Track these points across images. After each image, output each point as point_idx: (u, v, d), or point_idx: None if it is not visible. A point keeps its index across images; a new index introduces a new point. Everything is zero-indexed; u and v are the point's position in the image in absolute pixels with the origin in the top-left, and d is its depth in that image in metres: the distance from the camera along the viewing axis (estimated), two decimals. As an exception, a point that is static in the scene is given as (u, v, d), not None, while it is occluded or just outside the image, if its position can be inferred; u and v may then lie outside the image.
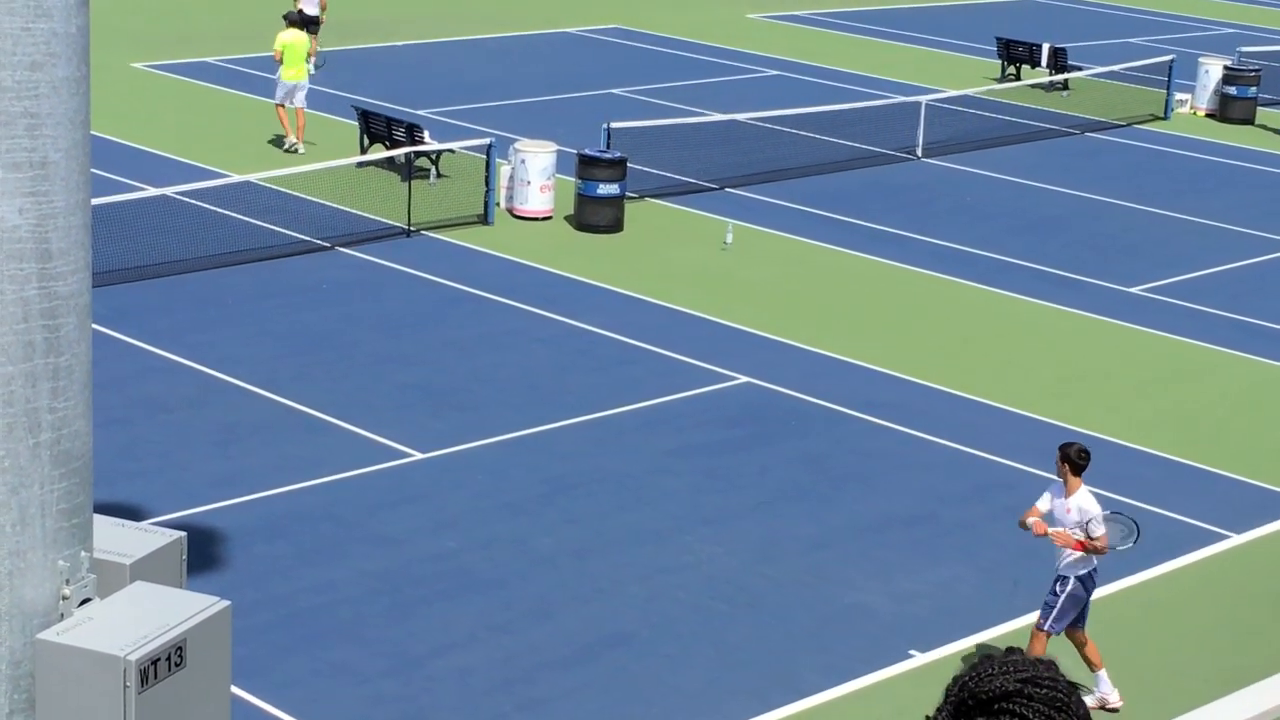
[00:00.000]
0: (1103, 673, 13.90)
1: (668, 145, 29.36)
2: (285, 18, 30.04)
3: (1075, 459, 13.62)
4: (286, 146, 28.81)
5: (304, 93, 28.90)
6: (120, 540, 6.87)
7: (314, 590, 15.12)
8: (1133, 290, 24.10)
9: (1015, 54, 37.67)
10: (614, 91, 34.56)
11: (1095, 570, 13.77)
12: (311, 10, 34.26)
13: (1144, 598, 15.86)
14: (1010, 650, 3.47)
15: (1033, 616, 14.16)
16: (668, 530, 16.58)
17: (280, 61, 28.78)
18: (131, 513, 15.30)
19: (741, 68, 37.87)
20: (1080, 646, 13.89)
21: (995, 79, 37.52)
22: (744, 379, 20.28)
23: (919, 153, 30.71)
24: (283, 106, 28.80)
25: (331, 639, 14.37)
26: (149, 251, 23.01)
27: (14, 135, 6.14)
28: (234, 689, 10.33)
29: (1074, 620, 13.82)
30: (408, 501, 16.87)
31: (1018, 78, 37.33)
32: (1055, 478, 13.99)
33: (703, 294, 23.03)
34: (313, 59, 29.46)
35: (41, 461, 6.39)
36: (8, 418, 6.29)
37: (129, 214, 23.52)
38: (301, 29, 29.59)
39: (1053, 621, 13.66)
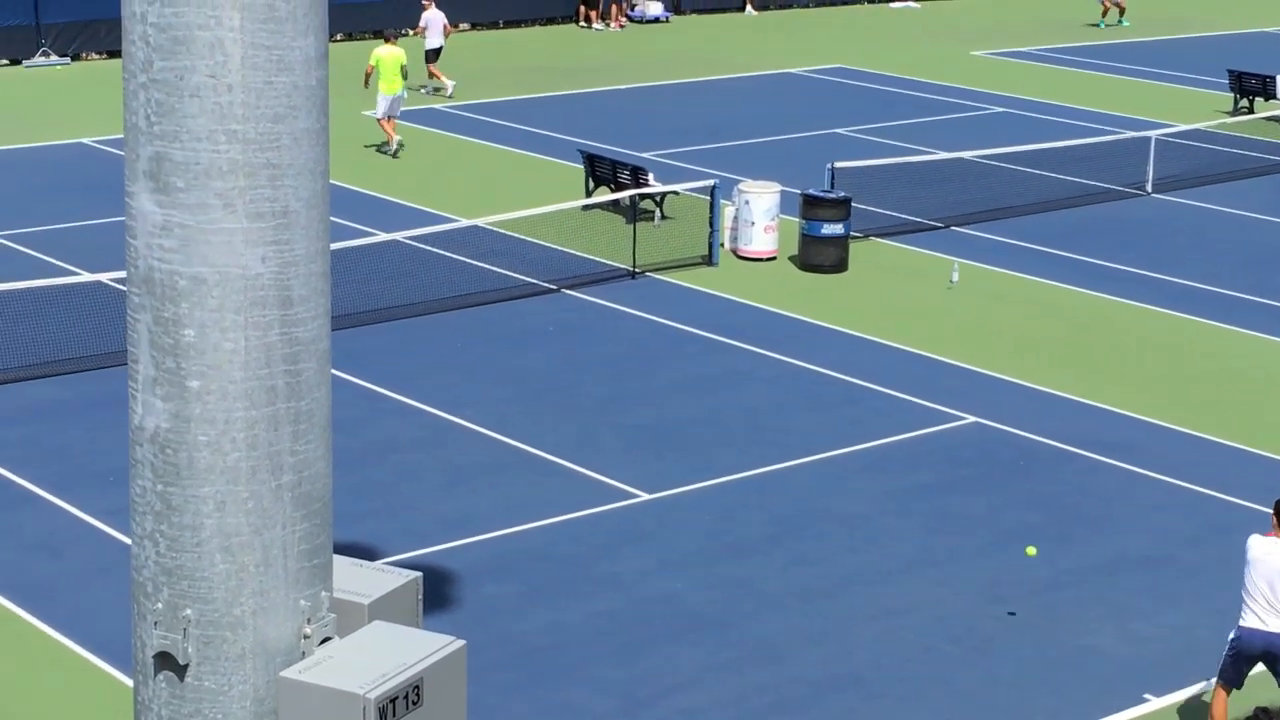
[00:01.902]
0: None
1: (892, 184, 29.24)
2: (383, 36, 32.54)
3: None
4: (393, 150, 31.30)
5: (400, 104, 31.41)
6: (359, 580, 7.01)
7: (542, 630, 15.25)
8: (1373, 326, 23.47)
9: (1247, 86, 36.93)
10: (838, 131, 34.50)
11: (1255, 633, 13.10)
12: (436, 41, 36.28)
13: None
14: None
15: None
16: (896, 571, 16.47)
17: (372, 76, 31.09)
18: (364, 553, 15.56)
19: (966, 105, 37.60)
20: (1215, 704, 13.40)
21: (1227, 112, 36.81)
22: (972, 419, 20.09)
23: (1149, 188, 30.22)
24: (387, 120, 31.21)
25: (560, 679, 14.47)
26: (379, 296, 23.42)
27: (257, 185, 6.31)
28: (466, 727, 10.43)
29: (1230, 679, 13.34)
30: (634, 542, 16.95)
31: (1250, 110, 36.59)
32: None
33: (929, 333, 22.87)
34: (438, 84, 32.11)
35: (284, 503, 6.54)
36: (251, 460, 6.45)
37: (359, 259, 23.96)
38: (398, 47, 31.67)
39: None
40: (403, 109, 32.01)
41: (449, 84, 36.59)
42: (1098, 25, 48.04)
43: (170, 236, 6.31)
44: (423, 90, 36.39)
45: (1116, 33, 47.58)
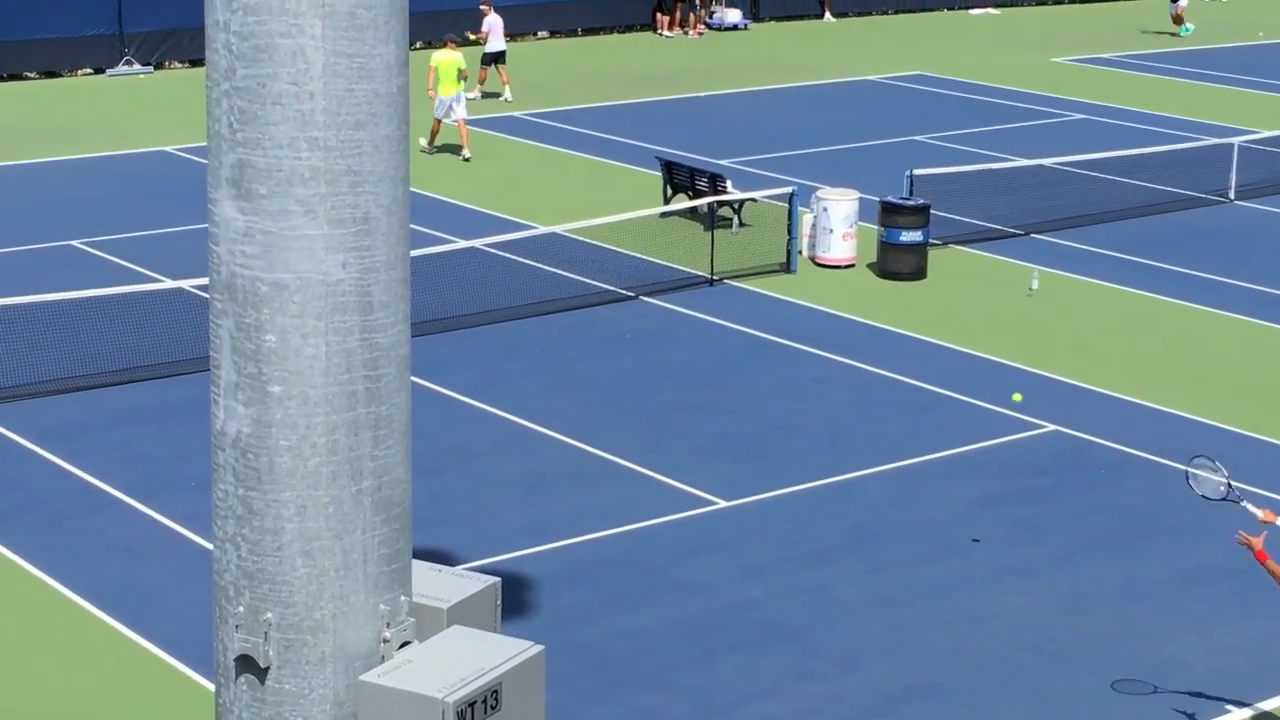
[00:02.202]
0: None
1: (972, 191, 29.12)
2: (445, 40, 33.30)
3: None
4: (430, 151, 32.04)
5: (462, 105, 31.91)
6: (438, 585, 7.04)
7: (620, 636, 15.26)
8: None
9: (1332, 92, 36.57)
10: (917, 138, 34.39)
11: None
12: (499, 45, 36.92)
13: None
14: None
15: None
16: (975, 580, 16.39)
17: (435, 80, 31.72)
18: (442, 558, 15.62)
19: (1047, 111, 37.40)
20: None
21: (1311, 118, 36.49)
22: (1052, 427, 19.98)
23: (1231, 195, 29.98)
24: (440, 121, 31.96)
25: (637, 686, 14.48)
26: (458, 303, 23.50)
27: (338, 192, 6.35)
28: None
29: None
30: (712, 549, 16.94)
31: (1334, 117, 36.25)
32: None
33: (1008, 341, 22.76)
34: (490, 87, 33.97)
35: (364, 508, 6.58)
36: (331, 465, 6.50)
37: (438, 266, 24.06)
38: (457, 51, 32.48)
39: None
40: (470, 115, 32.32)
41: (507, 91, 37.06)
42: (1178, 34, 47.65)
43: (252, 243, 6.36)
44: (477, 96, 36.66)
45: (1198, 38, 47.22)
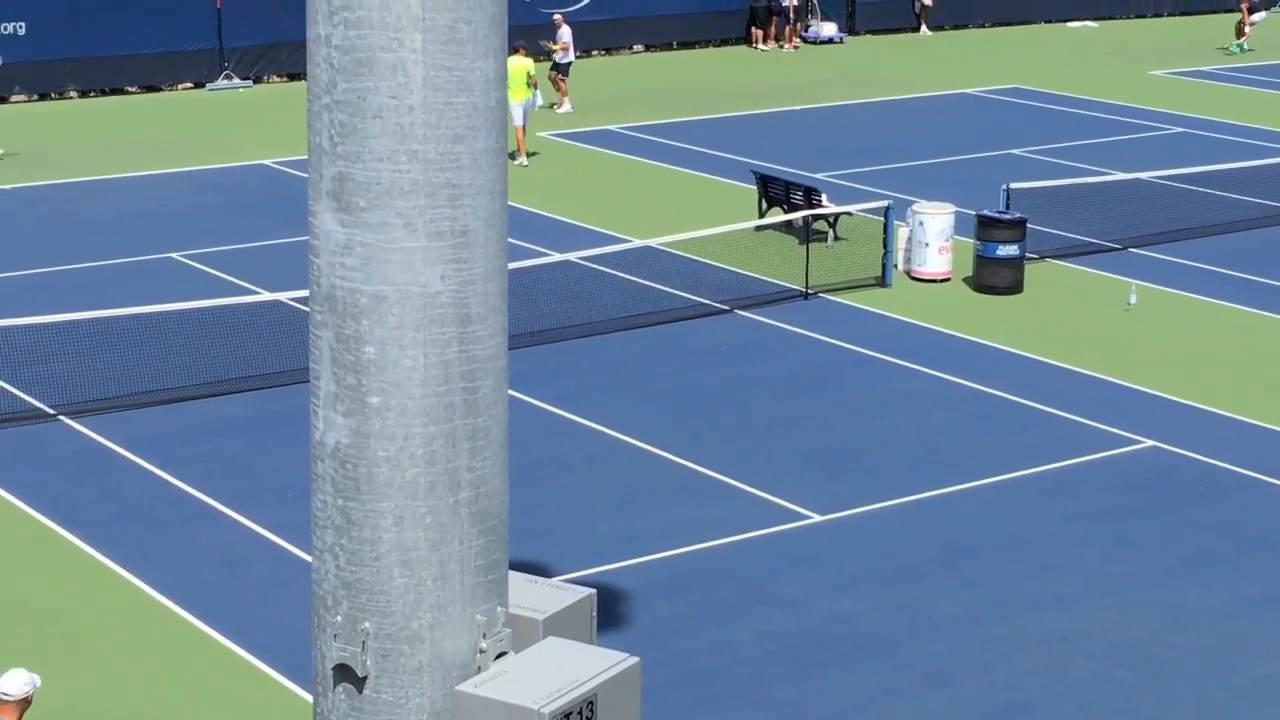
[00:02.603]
0: None
1: (1069, 205, 28.93)
2: (515, 47, 32.90)
3: None
4: (517, 163, 31.83)
5: (520, 112, 32.06)
6: (533, 596, 7.06)
7: (714, 650, 15.25)
8: None
9: None
10: (1013, 152, 34.22)
11: None
12: (567, 57, 37.28)
13: None
14: None
15: None
16: (1071, 596, 16.27)
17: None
18: (537, 570, 15.65)
19: (1145, 125, 37.12)
20: None
21: None
22: (1150, 443, 19.81)
23: (1333, 210, 29.65)
24: (521, 129, 32.32)
25: (731, 700, 14.46)
26: (552, 315, 23.58)
27: (437, 205, 6.40)
28: (638, 745, 10.46)
29: None
30: (806, 563, 16.91)
31: None
32: None
33: (1106, 356, 22.60)
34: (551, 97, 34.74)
35: (461, 519, 6.61)
36: (429, 476, 6.53)
37: (533, 279, 24.14)
38: (527, 57, 32.81)
39: None
40: (552, 131, 32.44)
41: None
42: (1230, 50, 46.91)
43: (352, 255, 6.41)
44: (568, 109, 36.93)
45: (1300, 52, 46.70)
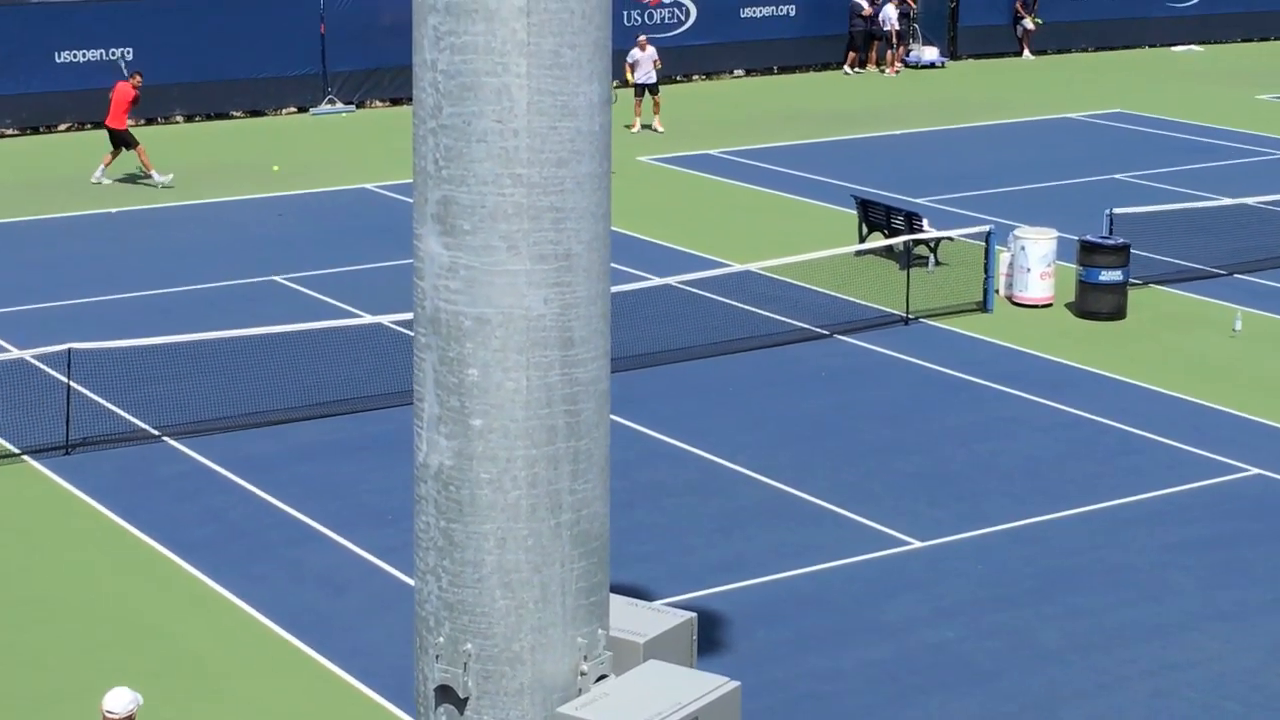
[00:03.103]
0: None
1: (1173, 230, 28.67)
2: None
3: None
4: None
5: None
6: (634, 619, 7.07)
7: (814, 676, 15.20)
8: None
9: None
10: (1117, 177, 33.95)
11: None
12: (649, 79, 37.54)
13: None
14: None
15: None
16: (1175, 625, 16.10)
17: None
18: (637, 594, 15.64)
19: (1251, 150, 36.76)
20: None
21: None
22: (1255, 470, 19.59)
23: None
24: None
25: (830, 725, 14.40)
26: (653, 339, 23.60)
27: (541, 228, 6.43)
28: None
29: None
30: (907, 589, 16.83)
31: None
32: None
33: (1210, 383, 22.37)
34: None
35: (562, 541, 6.63)
36: (531, 499, 6.56)
37: (634, 303, 24.17)
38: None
39: None
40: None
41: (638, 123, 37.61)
42: None
43: (456, 278, 6.44)
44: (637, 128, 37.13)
45: None
